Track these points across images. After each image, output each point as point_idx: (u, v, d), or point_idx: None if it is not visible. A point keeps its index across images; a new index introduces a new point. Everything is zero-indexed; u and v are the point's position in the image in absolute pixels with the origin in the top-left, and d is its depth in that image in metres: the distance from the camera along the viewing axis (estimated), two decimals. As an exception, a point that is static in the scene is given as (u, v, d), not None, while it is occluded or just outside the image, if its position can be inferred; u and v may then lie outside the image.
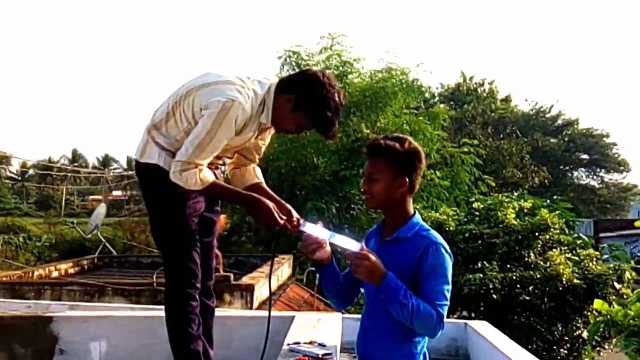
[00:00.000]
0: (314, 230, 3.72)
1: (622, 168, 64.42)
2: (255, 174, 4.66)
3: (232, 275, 12.51)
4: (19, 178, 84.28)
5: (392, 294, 3.46)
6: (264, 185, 4.65)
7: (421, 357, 3.74)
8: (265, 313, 4.97)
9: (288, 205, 4.32)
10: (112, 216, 49.87)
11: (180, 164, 4.09)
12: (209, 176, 4.17)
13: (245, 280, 12.80)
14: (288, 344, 4.49)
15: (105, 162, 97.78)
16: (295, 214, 4.27)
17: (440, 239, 3.72)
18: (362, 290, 3.91)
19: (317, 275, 3.91)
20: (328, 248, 3.73)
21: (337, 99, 4.17)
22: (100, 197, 61.12)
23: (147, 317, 5.99)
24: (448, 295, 3.59)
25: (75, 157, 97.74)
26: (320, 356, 4.08)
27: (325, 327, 5.00)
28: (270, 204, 4.17)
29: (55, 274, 16.11)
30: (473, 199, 20.40)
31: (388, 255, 3.59)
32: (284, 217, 4.17)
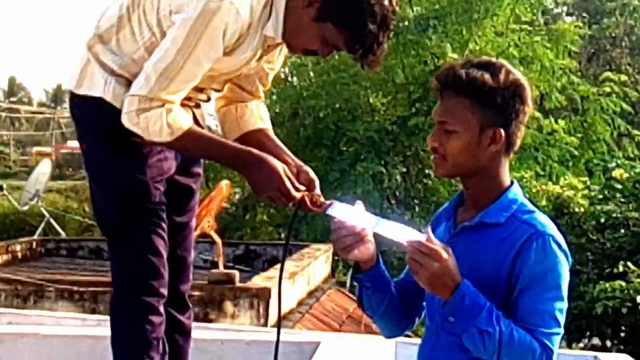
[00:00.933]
0: (349, 214, 3.25)
1: None
2: (259, 115, 4.09)
3: (237, 274, 12.16)
4: None
5: (469, 316, 2.92)
6: (271, 132, 4.10)
7: None
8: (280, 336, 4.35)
9: (308, 169, 3.79)
10: (64, 178, 49.67)
11: (138, 100, 3.53)
12: (182, 120, 3.61)
13: (258, 281, 12.46)
14: None
15: (58, 97, 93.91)
16: (312, 175, 3.76)
17: (551, 227, 3.16)
18: (424, 305, 3.42)
19: (356, 284, 3.36)
20: (372, 243, 3.26)
21: (386, 2, 3.50)
22: (48, 149, 61.06)
23: (94, 337, 5.58)
24: (561, 318, 3.07)
25: (14, 89, 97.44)
26: None
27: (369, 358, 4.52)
28: (280, 166, 3.60)
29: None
30: (613, 164, 19.96)
31: (466, 251, 3.06)
32: (302, 188, 3.62)
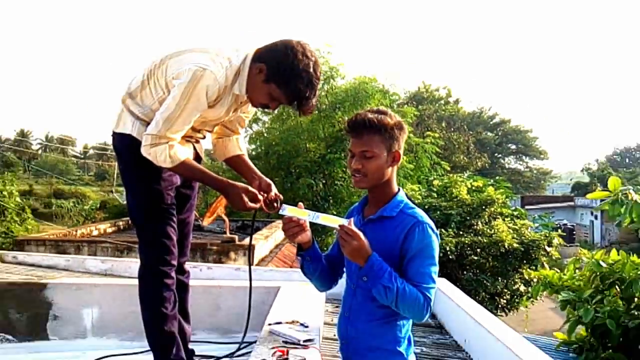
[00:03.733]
0: (295, 212, 2.73)
1: (542, 156, 65.11)
2: (238, 145, 3.47)
3: (237, 237, 11.58)
4: (82, 156, 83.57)
5: (376, 276, 2.54)
6: (245, 157, 3.48)
7: (406, 341, 2.75)
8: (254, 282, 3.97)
9: (267, 180, 3.21)
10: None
11: (151, 137, 2.95)
12: (180, 154, 3.02)
13: (248, 241, 11.63)
14: (269, 324, 3.39)
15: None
16: (274, 189, 3.17)
17: (426, 218, 2.71)
18: (345, 270, 2.91)
19: (299, 258, 2.84)
20: (309, 231, 2.76)
21: (311, 69, 2.95)
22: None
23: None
24: (436, 277, 2.64)
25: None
26: (301, 342, 2.98)
27: (309, 303, 3.96)
28: (242, 187, 3.05)
29: (95, 232, 15.17)
30: (432, 178, 19.83)
31: (372, 235, 2.63)
32: (260, 199, 3.07)
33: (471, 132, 51.21)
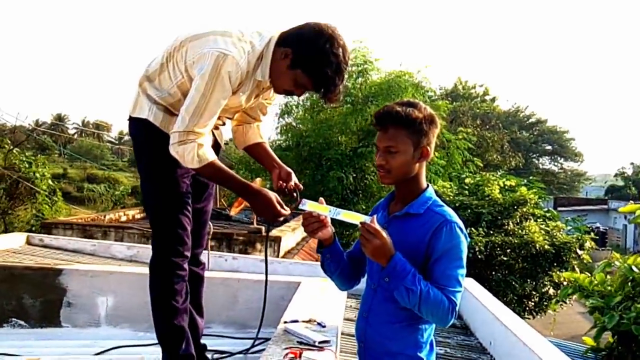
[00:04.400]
0: (315, 207, 2.56)
1: (577, 158, 64.34)
2: (259, 133, 3.30)
3: (263, 228, 11.26)
4: (117, 142, 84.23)
5: (399, 278, 2.36)
6: (266, 144, 3.31)
7: (427, 346, 2.57)
8: (272, 277, 3.99)
9: (287, 169, 3.07)
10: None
11: (178, 135, 2.75)
12: (209, 154, 2.83)
13: (275, 232, 11.49)
14: (285, 322, 3.20)
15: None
16: (294, 178, 3.02)
17: (455, 216, 2.51)
18: (366, 269, 2.72)
19: (320, 255, 2.70)
20: (330, 227, 2.61)
21: (340, 55, 2.74)
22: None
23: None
24: (462, 280, 2.45)
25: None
26: (316, 343, 2.80)
27: (329, 300, 3.77)
28: (273, 197, 2.85)
29: (123, 218, 15.15)
30: (464, 175, 19.41)
31: (396, 233, 2.45)
32: (287, 210, 2.90)
33: (506, 131, 50.31)
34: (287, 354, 2.50)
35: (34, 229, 15.87)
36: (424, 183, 2.60)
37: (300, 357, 2.50)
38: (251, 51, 2.82)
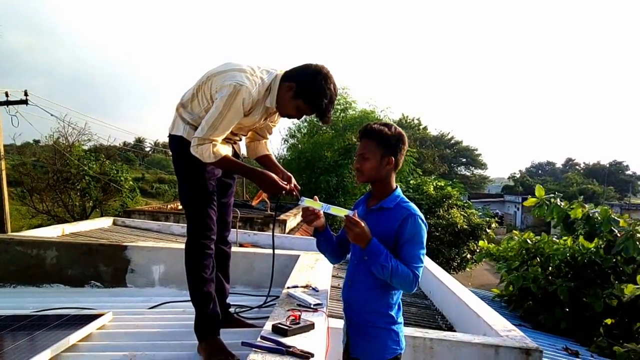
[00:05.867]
0: (311, 203, 2.32)
1: (483, 167, 64.73)
2: (266, 147, 2.96)
3: (275, 213, 10.82)
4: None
5: (375, 257, 2.13)
6: (272, 156, 2.97)
7: (396, 306, 2.29)
8: (279, 251, 3.71)
9: (288, 173, 2.72)
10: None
11: (198, 139, 2.46)
12: (221, 150, 2.53)
13: (282, 217, 11.15)
14: (288, 287, 2.85)
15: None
16: (293, 181, 2.66)
17: (417, 210, 2.22)
18: (350, 248, 2.42)
19: (315, 238, 2.41)
20: (323, 218, 2.35)
21: (332, 90, 2.50)
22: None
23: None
24: (423, 258, 2.17)
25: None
26: (311, 306, 2.45)
27: (320, 270, 3.42)
28: (274, 176, 2.56)
29: (180, 207, 14.69)
30: (409, 179, 19.36)
31: (373, 222, 2.22)
32: (284, 184, 2.57)
33: (436, 149, 50.74)
34: (289, 317, 2.15)
35: (119, 214, 15.45)
36: (394, 185, 2.32)
37: (299, 319, 2.14)
38: (261, 84, 2.52)
